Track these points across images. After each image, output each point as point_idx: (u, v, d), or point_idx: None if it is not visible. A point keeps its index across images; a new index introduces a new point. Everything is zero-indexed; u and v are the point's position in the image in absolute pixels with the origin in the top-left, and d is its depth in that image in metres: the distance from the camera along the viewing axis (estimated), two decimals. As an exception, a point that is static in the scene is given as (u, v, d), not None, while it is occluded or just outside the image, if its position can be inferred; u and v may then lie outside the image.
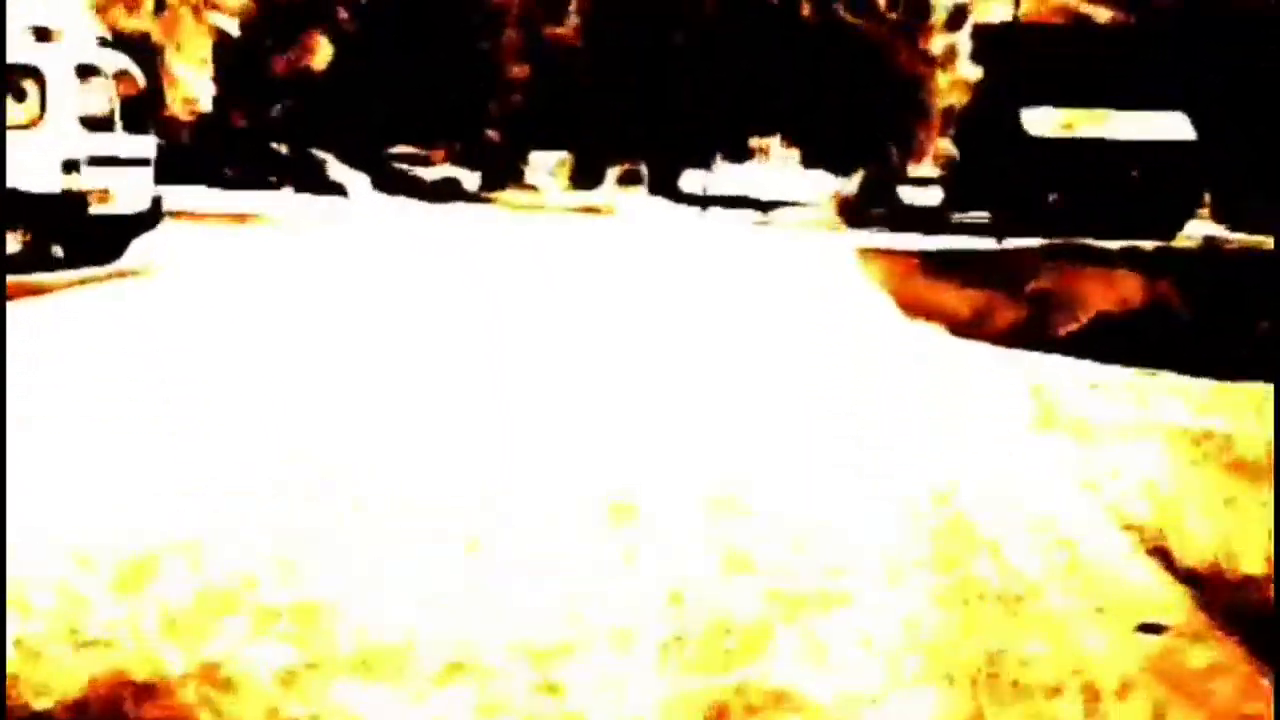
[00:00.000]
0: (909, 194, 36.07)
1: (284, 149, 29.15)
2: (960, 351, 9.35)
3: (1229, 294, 12.29)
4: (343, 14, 34.84)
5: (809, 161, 46.78)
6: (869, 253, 19.98)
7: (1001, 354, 9.26)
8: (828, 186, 41.75)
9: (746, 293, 12.97)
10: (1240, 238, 30.81)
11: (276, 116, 31.54)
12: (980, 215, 36.03)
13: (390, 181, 32.13)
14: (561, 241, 17.56)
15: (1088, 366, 8.74)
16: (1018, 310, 11.63)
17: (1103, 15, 41.59)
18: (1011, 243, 25.48)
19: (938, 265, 17.16)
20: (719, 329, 10.17)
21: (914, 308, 11.90)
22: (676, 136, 40.34)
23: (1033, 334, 10.40)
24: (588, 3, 40.68)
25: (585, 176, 38.33)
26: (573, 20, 40.94)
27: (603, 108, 40.36)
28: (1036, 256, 17.72)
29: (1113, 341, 10.01)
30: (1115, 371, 8.56)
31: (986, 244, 24.86)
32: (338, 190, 29.26)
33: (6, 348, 7.69)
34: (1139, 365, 8.85)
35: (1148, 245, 22.67)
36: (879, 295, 13.09)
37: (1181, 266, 15.26)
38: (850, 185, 40.05)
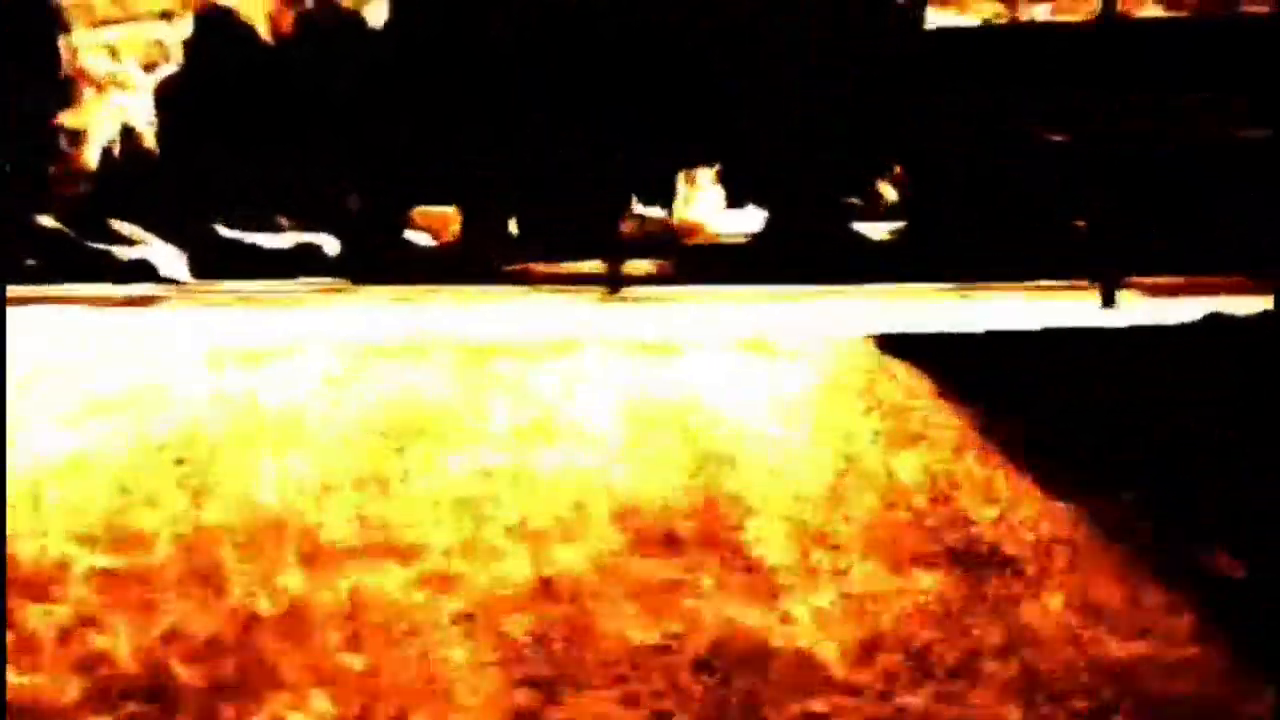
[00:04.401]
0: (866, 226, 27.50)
1: (48, 221, 19.80)
2: None
3: None
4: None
5: (736, 195, 38.01)
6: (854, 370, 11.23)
7: None
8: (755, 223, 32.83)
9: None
10: None
11: (54, 177, 22.45)
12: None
13: (218, 256, 22.81)
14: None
15: None
16: None
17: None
18: (1135, 307, 15.60)
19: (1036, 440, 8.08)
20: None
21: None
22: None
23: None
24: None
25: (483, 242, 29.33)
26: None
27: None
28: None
29: None
30: None
31: (1078, 314, 15.92)
32: (135, 274, 20.13)
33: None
34: None
35: None
36: None
37: None
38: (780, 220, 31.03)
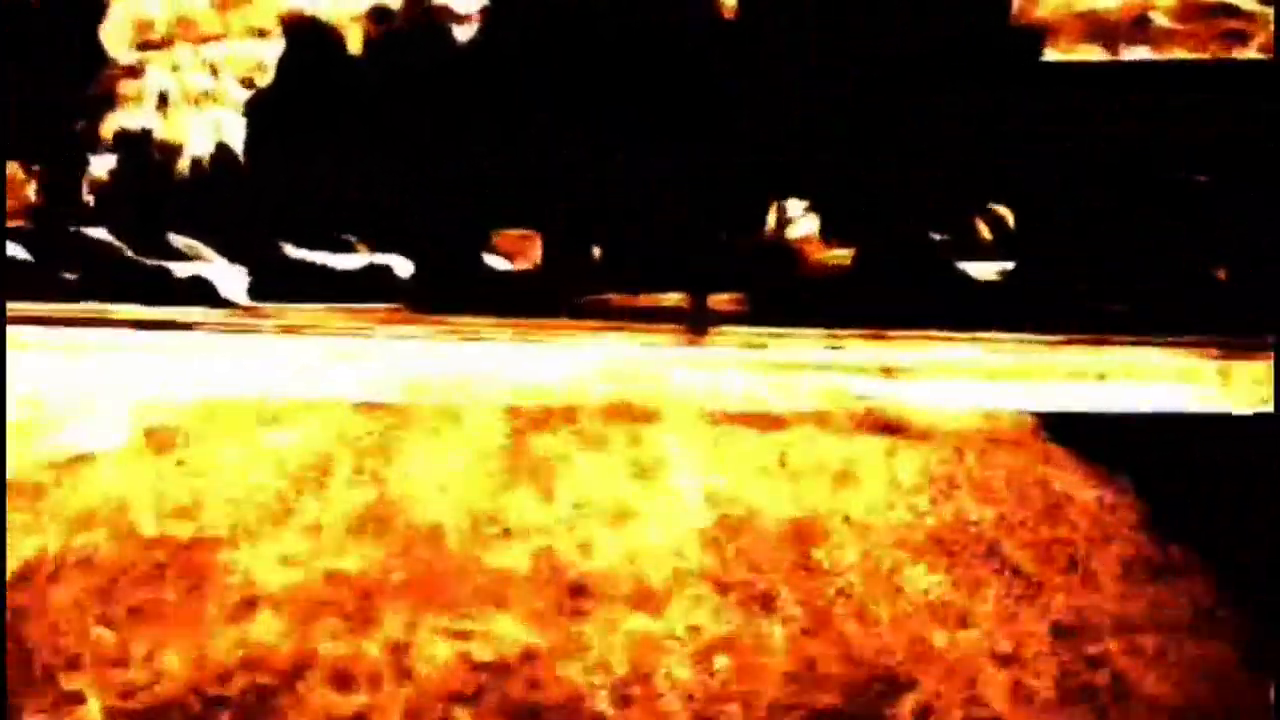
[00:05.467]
0: (972, 266, 25.91)
1: (96, 232, 18.76)
2: None
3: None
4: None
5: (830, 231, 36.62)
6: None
7: None
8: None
9: None
10: None
11: (104, 182, 21.52)
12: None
13: (282, 278, 21.66)
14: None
15: None
16: None
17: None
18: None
19: None
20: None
21: None
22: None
23: None
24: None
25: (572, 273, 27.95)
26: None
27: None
28: None
29: None
30: None
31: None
32: (191, 295, 19.03)
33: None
34: None
35: None
36: None
37: None
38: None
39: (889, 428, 6.12)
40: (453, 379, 8.41)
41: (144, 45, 51.23)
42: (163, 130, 38.50)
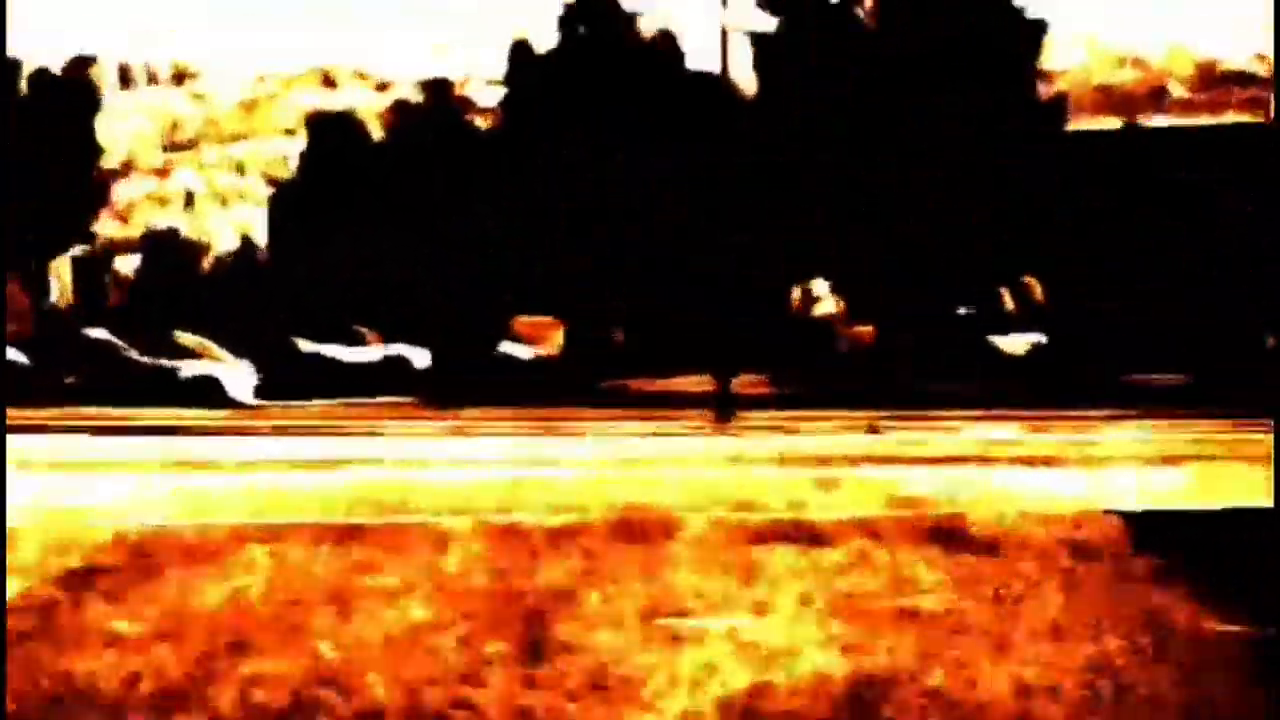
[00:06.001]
0: (1005, 342, 25.09)
1: (98, 333, 17.93)
2: None
3: None
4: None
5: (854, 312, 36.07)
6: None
7: None
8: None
9: None
10: None
11: (115, 287, 20.90)
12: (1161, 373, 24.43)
13: (292, 375, 20.73)
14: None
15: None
16: None
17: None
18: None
19: None
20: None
21: None
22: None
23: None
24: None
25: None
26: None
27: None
28: None
29: None
30: None
31: None
32: (197, 394, 18.15)
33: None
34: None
35: None
36: None
37: None
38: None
39: (951, 537, 5.33)
40: (447, 487, 7.70)
41: (172, 146, 50.99)
42: (189, 228, 38.05)
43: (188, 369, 17.76)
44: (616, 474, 8.37)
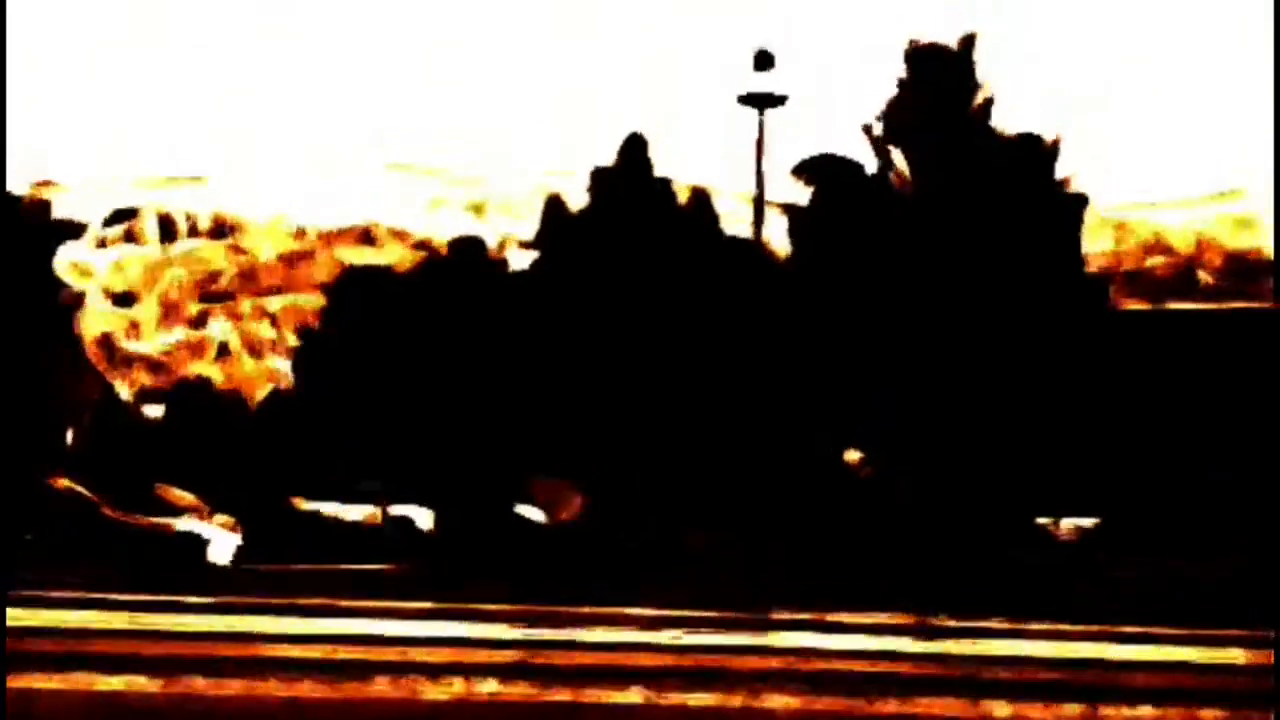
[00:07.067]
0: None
1: (62, 483, 16.23)
2: None
3: None
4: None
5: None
6: None
7: None
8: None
9: None
10: None
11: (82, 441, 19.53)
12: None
13: (283, 537, 18.99)
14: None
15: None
16: None
17: None
18: None
19: None
20: None
21: None
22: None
23: None
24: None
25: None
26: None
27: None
28: None
29: None
30: None
31: None
32: (169, 561, 16.40)
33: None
34: None
35: None
36: None
37: None
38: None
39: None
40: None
41: (207, 296, 50.07)
42: (221, 379, 37.09)
43: (177, 526, 16.04)
44: None
